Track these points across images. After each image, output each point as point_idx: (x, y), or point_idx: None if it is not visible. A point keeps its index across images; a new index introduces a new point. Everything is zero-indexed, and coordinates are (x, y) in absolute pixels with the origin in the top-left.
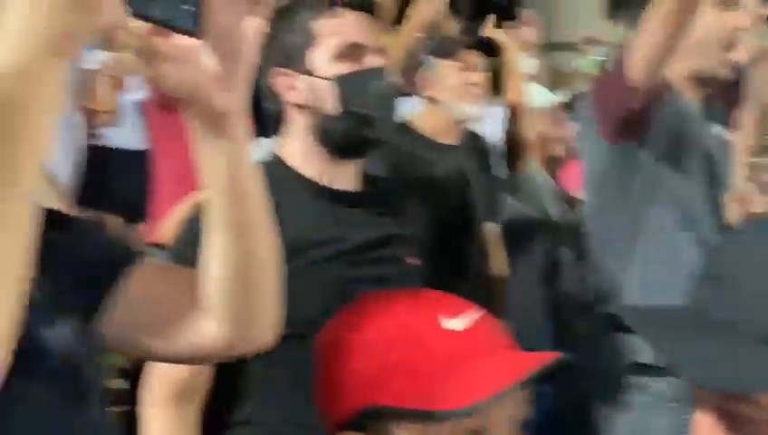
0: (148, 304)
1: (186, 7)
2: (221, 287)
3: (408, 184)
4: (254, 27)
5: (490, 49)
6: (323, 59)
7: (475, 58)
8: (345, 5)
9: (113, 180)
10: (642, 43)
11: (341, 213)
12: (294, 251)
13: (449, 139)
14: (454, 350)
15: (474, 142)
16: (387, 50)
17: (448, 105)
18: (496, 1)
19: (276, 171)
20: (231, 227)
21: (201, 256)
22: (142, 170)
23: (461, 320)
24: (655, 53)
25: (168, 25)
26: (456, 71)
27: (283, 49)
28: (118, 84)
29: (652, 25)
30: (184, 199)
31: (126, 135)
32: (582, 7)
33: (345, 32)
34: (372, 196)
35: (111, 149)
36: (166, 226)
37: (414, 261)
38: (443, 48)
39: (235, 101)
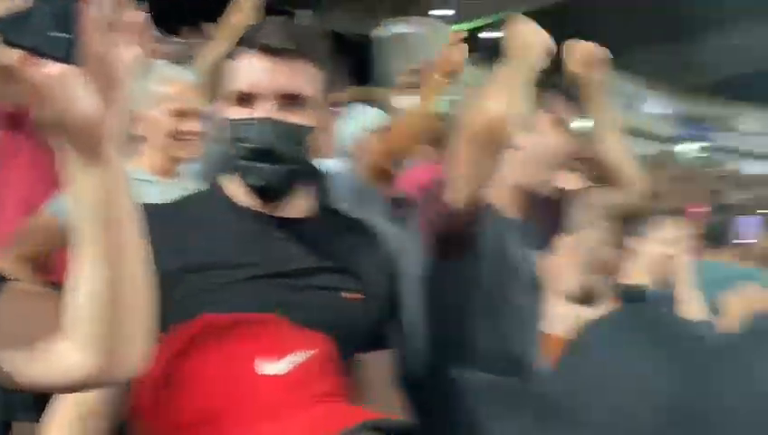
0: (14, 329)
1: (58, 35)
2: (87, 316)
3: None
4: (129, 54)
5: None
6: (222, 101)
7: None
8: (262, 49)
9: None
10: (453, 174)
11: (270, 239)
12: (210, 270)
13: None
14: (265, 400)
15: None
16: (305, 98)
17: None
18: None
19: (210, 197)
20: (101, 255)
21: (66, 283)
22: None
23: (284, 363)
24: (466, 183)
25: (39, 53)
26: None
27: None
28: None
29: (458, 159)
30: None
31: None
32: None
33: (238, 78)
34: (318, 226)
35: None
36: (5, 252)
37: (353, 296)
38: None
39: (109, 128)
